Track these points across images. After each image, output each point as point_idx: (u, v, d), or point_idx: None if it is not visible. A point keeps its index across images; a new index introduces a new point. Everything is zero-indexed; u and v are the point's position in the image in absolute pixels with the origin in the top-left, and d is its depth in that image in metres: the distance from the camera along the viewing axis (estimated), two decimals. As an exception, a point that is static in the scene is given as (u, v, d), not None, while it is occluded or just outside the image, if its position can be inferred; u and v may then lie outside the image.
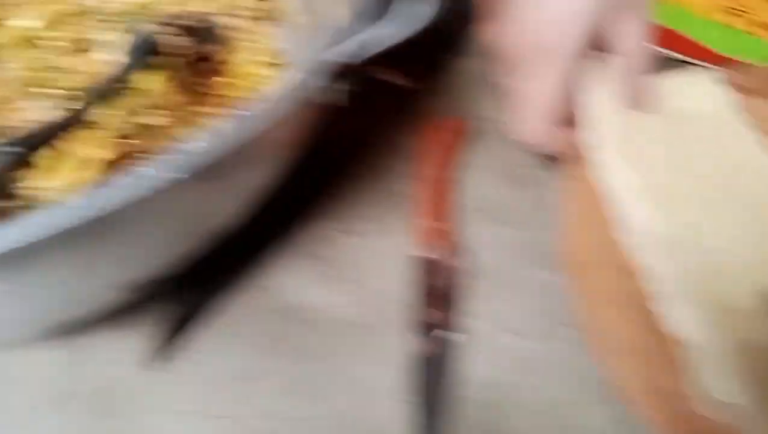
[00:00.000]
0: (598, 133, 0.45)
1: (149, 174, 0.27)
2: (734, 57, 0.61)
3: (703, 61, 0.60)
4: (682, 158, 0.45)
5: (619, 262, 0.42)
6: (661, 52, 0.59)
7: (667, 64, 0.55)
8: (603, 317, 0.40)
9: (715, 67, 0.54)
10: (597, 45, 0.44)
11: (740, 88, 0.52)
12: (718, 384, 0.35)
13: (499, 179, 0.52)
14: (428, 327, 0.42)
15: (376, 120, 0.54)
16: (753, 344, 0.36)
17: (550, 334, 0.43)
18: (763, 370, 0.35)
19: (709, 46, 0.62)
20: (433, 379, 0.40)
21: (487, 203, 0.50)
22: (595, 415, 0.40)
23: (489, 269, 0.46)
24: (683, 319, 0.37)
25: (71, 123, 0.37)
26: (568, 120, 0.46)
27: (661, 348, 0.39)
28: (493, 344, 0.43)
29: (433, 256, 0.46)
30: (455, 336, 0.43)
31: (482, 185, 0.51)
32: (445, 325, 0.43)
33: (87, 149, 0.36)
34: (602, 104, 0.46)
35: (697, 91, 0.50)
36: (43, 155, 0.35)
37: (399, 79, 0.57)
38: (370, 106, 0.53)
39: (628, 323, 0.40)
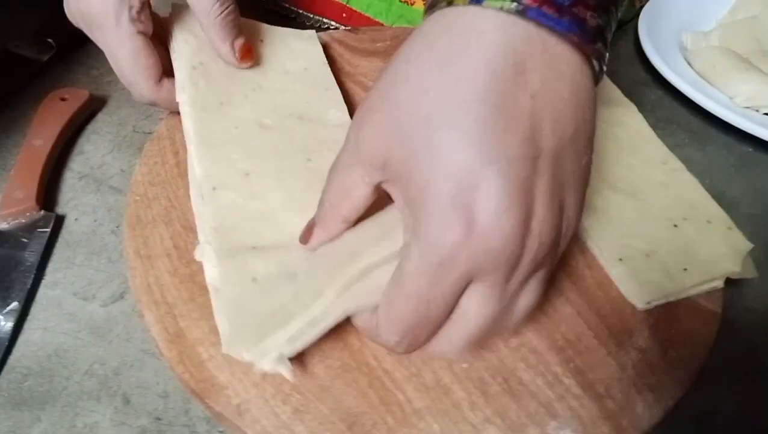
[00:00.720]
0: (180, 84, 0.44)
1: None
2: (376, 19, 0.62)
3: (336, 21, 0.61)
4: (252, 110, 0.45)
5: (180, 217, 0.42)
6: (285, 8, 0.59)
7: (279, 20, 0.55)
8: (152, 273, 0.39)
9: (340, 27, 0.54)
10: None
11: (346, 47, 0.55)
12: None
13: (113, 146, 0.52)
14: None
15: (5, 93, 0.53)
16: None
17: (118, 298, 0.43)
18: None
19: (358, 8, 0.63)
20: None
21: (98, 170, 0.50)
22: (148, 375, 0.40)
23: (80, 235, 0.46)
24: (210, 264, 0.37)
25: None
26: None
27: (190, 297, 0.38)
28: (60, 310, 0.42)
29: (11, 225, 0.44)
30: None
31: (97, 152, 0.49)
32: None
33: None
34: (184, 54, 0.45)
35: (293, 48, 0.51)
36: None
37: (28, 52, 0.54)
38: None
39: (169, 276, 0.39)
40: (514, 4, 0.27)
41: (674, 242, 0.42)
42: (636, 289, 0.40)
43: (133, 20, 0.42)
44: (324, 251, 0.36)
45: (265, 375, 0.35)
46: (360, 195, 0.32)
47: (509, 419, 0.34)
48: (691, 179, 0.47)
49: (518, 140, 0.27)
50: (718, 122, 0.59)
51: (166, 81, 0.44)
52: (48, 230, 0.44)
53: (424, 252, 0.28)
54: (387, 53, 0.52)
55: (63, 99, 0.51)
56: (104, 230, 0.45)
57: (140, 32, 0.42)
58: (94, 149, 0.50)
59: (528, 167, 0.27)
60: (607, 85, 0.54)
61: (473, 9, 0.28)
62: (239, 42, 0.44)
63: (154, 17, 0.44)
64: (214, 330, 0.36)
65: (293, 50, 0.51)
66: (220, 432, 0.37)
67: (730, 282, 0.43)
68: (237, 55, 0.45)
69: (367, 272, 0.34)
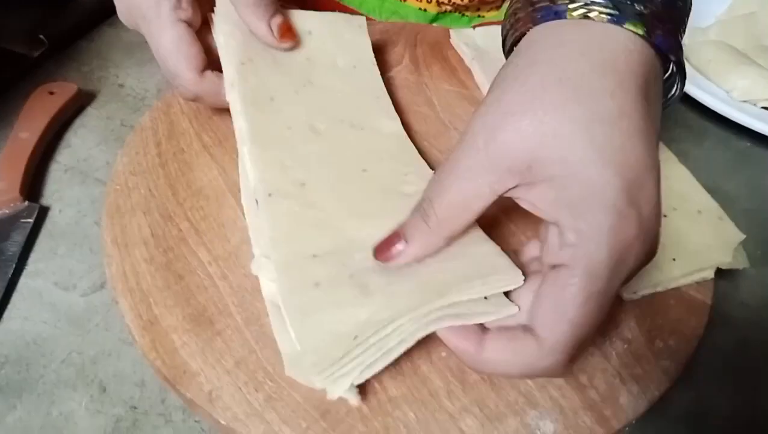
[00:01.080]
0: (229, 81, 0.43)
1: None
2: (369, 16, 0.62)
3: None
4: (304, 110, 0.44)
5: (159, 207, 0.42)
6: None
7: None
8: (128, 261, 0.39)
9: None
10: None
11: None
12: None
13: (101, 140, 0.52)
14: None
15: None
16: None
17: (98, 288, 0.43)
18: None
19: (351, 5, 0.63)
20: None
21: (84, 163, 0.50)
22: (125, 364, 0.39)
23: (63, 226, 0.46)
24: (267, 278, 0.37)
25: None
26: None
27: (165, 284, 0.38)
28: (40, 300, 0.41)
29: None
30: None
31: (84, 146, 0.49)
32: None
33: None
34: (231, 50, 0.44)
35: (343, 40, 0.50)
36: None
37: (19, 47, 0.54)
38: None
39: (145, 264, 0.39)
40: (645, 29, 0.30)
41: (663, 233, 0.41)
42: None
43: (174, 8, 0.41)
44: (403, 270, 0.34)
45: (238, 362, 0.34)
46: (480, 207, 0.31)
47: (487, 408, 0.34)
48: (682, 169, 0.46)
49: (656, 149, 0.29)
50: (715, 117, 0.58)
51: (209, 73, 0.42)
52: (31, 220, 0.44)
53: (601, 248, 0.27)
54: (375, 47, 0.51)
55: (51, 93, 0.51)
56: (87, 221, 0.45)
57: (182, 20, 0.42)
58: (81, 143, 0.50)
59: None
60: None
61: (614, 27, 0.30)
62: (277, 20, 0.43)
63: (201, 10, 0.44)
64: (188, 318, 0.35)
65: (343, 42, 0.49)
66: (195, 421, 0.36)
67: (724, 276, 0.42)
68: (276, 34, 0.43)
69: (452, 307, 0.32)
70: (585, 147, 0.28)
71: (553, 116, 0.28)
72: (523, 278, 0.32)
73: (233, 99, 0.42)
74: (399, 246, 0.33)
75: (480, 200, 0.31)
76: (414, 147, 0.44)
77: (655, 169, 0.28)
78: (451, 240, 0.33)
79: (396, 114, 0.46)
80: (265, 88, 0.43)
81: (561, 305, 0.28)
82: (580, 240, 0.28)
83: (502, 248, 0.35)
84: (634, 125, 0.28)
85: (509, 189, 0.30)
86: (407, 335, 0.31)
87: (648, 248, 0.29)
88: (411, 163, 0.43)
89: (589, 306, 0.28)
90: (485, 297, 0.32)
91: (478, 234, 0.36)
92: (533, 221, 0.36)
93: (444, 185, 0.31)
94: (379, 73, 0.49)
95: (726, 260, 0.40)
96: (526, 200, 0.30)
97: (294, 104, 0.43)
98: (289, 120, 0.42)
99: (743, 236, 0.42)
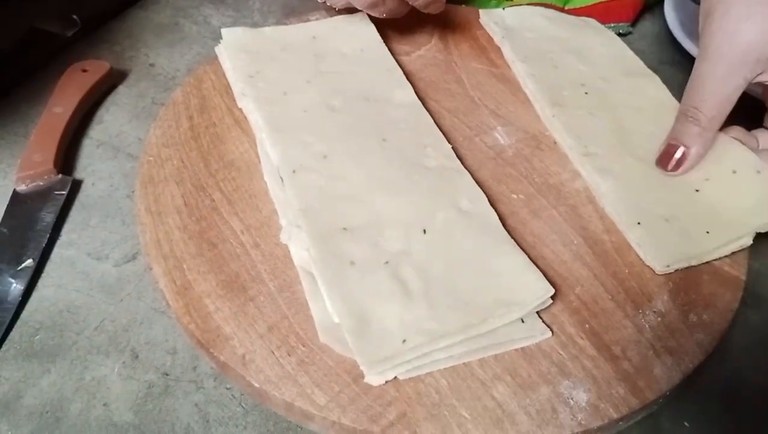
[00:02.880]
0: (239, 91, 0.47)
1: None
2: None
3: None
4: (318, 93, 0.46)
5: (192, 177, 0.43)
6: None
7: None
8: (161, 228, 0.40)
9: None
10: None
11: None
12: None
13: (132, 117, 0.52)
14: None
15: (29, 66, 0.54)
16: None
17: (130, 259, 0.43)
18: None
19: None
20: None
21: (116, 139, 0.50)
22: (158, 332, 0.39)
23: (95, 199, 0.46)
24: (299, 246, 0.38)
25: None
26: None
27: (198, 252, 0.39)
28: (73, 269, 0.42)
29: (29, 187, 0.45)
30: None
31: (116, 122, 0.50)
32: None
33: None
34: (238, 69, 0.47)
35: (346, 31, 0.52)
36: None
37: (54, 27, 0.55)
38: (23, 53, 0.53)
39: (179, 231, 0.39)
40: None
41: (696, 206, 0.41)
42: (654, 252, 0.39)
43: None
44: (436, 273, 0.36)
45: (270, 328, 0.34)
46: (737, 96, 0.41)
47: (519, 377, 0.33)
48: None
49: None
50: (743, 99, 0.57)
51: None
52: (65, 192, 0.44)
53: None
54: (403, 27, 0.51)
55: (84, 70, 0.51)
56: (120, 194, 0.46)
57: None
58: (113, 119, 0.51)
59: None
60: (629, 57, 0.53)
61: None
62: None
63: None
64: (222, 284, 0.36)
65: (346, 33, 0.51)
66: (227, 388, 0.36)
67: (756, 256, 0.41)
68: None
69: (493, 332, 0.35)
70: None
71: None
72: (553, 290, 0.36)
73: (246, 104, 0.44)
74: (679, 153, 0.43)
75: (738, 91, 0.41)
76: (429, 115, 0.45)
77: None
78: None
79: (409, 84, 0.47)
80: (276, 87, 0.44)
81: None
82: None
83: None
84: None
85: (757, 75, 0.41)
86: (456, 356, 0.34)
87: None
88: (428, 133, 0.44)
89: None
90: (522, 320, 0.35)
91: (509, 245, 0.38)
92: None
93: (707, 92, 0.41)
94: (387, 49, 0.50)
95: (764, 222, 0.40)
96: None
97: (307, 92, 0.45)
98: (304, 104, 0.43)
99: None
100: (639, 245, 0.39)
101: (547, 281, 0.35)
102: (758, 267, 0.43)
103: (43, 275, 0.41)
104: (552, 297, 0.36)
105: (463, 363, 0.33)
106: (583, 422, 0.32)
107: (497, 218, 0.38)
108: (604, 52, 0.53)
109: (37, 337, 0.38)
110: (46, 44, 0.54)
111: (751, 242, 0.40)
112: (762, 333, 0.40)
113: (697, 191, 0.42)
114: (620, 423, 0.33)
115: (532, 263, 0.36)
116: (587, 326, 0.35)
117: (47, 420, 0.34)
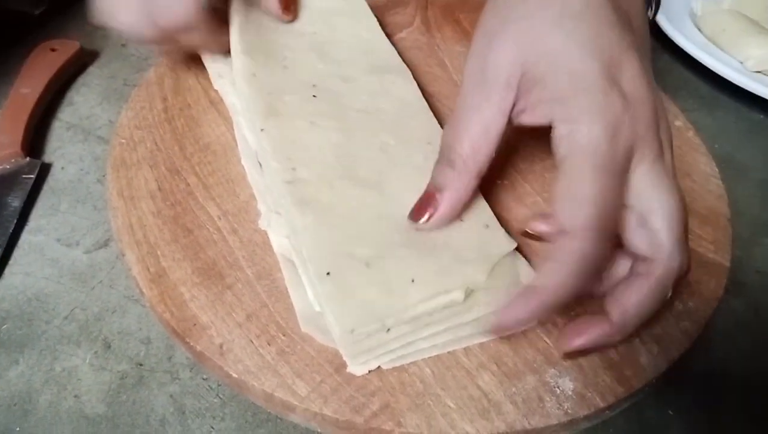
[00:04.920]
0: (215, 70, 0.44)
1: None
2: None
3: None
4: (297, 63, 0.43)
5: (166, 160, 0.41)
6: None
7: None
8: (134, 213, 0.38)
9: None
10: None
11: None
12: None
13: (103, 98, 0.50)
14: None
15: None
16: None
17: (102, 245, 0.41)
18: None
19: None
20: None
21: (87, 121, 0.49)
22: (131, 321, 0.38)
23: (65, 183, 0.44)
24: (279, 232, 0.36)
25: None
26: None
27: (173, 238, 0.37)
28: (42, 256, 0.40)
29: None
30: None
31: (87, 104, 0.47)
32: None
33: None
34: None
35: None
36: None
37: (21, 5, 0.52)
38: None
39: (152, 217, 0.38)
40: None
41: (410, 246, 0.34)
42: (339, 311, 0.31)
43: None
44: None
45: (249, 316, 0.33)
46: (498, 133, 0.33)
47: (505, 365, 0.33)
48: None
49: (631, 34, 0.32)
50: (728, 88, 0.57)
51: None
52: (33, 176, 0.42)
53: (593, 125, 0.29)
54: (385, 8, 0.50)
55: (53, 50, 0.50)
56: (90, 178, 0.44)
57: None
58: (83, 101, 0.49)
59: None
60: (384, 48, 0.48)
61: None
62: None
63: None
64: (198, 271, 0.34)
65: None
66: (203, 379, 0.35)
67: (739, 245, 0.41)
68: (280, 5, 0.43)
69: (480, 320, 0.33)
70: (563, 41, 0.30)
71: (527, 26, 0.31)
72: (515, 243, 0.34)
73: (221, 86, 0.43)
74: (437, 200, 0.33)
75: (495, 125, 0.32)
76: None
77: (631, 49, 0.31)
78: (481, 176, 0.34)
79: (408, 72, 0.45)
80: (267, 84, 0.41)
81: (574, 190, 0.29)
82: (573, 125, 0.30)
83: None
84: (604, 16, 0.31)
85: (513, 105, 0.32)
86: (440, 345, 0.33)
87: (642, 121, 0.30)
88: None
89: (600, 182, 0.29)
90: None
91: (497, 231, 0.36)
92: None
93: (460, 126, 0.33)
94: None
95: (477, 279, 0.34)
96: (528, 112, 0.32)
97: (283, 77, 0.42)
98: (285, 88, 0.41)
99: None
100: (320, 304, 0.33)
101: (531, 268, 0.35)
102: (740, 254, 0.42)
103: (11, 262, 0.39)
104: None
105: (448, 352, 0.32)
106: (569, 411, 0.31)
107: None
108: (354, 44, 0.45)
109: (5, 326, 0.36)
110: (13, 23, 0.52)
111: (462, 299, 0.32)
112: (744, 320, 0.40)
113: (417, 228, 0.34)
114: (606, 411, 0.32)
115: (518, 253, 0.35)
116: (573, 313, 0.35)
117: (15, 412, 0.33)
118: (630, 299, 0.32)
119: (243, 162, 0.40)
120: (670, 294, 0.32)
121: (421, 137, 0.39)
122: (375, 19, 0.47)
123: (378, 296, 0.31)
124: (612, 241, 0.31)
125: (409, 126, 0.40)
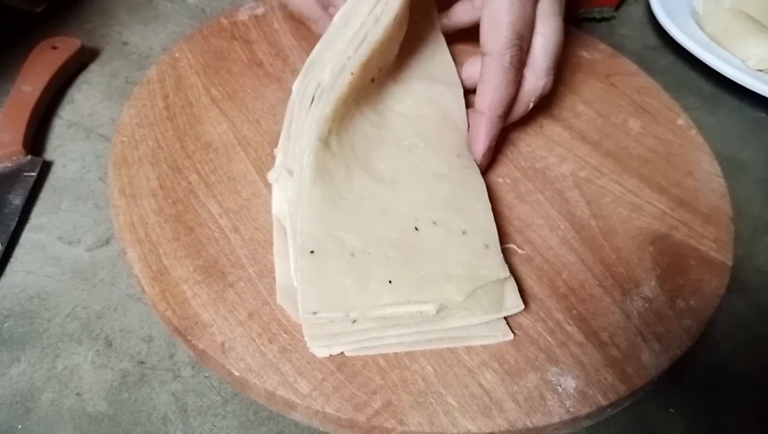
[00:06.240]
0: None
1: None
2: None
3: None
4: None
5: (167, 158, 0.41)
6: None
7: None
8: (136, 211, 0.38)
9: None
10: None
11: None
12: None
13: (104, 96, 0.50)
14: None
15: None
16: None
17: (103, 243, 0.41)
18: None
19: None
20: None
21: (88, 119, 0.48)
22: (132, 319, 0.38)
23: (67, 181, 0.44)
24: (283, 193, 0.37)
25: None
26: None
27: (174, 236, 0.37)
28: (44, 254, 0.40)
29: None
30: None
31: (88, 102, 0.47)
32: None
33: None
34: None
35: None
36: None
37: (21, 3, 0.52)
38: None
39: (154, 215, 0.38)
40: None
41: (401, 247, 0.35)
42: (309, 290, 0.32)
43: None
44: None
45: (251, 314, 0.33)
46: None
47: (507, 363, 0.33)
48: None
49: None
50: (729, 86, 0.57)
51: None
52: (34, 174, 0.42)
53: None
54: None
55: (54, 47, 0.49)
56: (92, 176, 0.44)
57: None
58: (84, 99, 0.49)
59: None
60: None
61: None
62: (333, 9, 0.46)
63: None
64: (200, 269, 0.34)
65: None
66: (205, 376, 0.35)
67: (740, 244, 0.41)
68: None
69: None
70: None
71: None
72: (523, 306, 0.34)
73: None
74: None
75: None
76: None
77: None
78: None
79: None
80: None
81: (496, 18, 0.39)
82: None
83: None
84: None
85: None
86: (407, 343, 0.32)
87: None
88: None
89: (514, 11, 0.38)
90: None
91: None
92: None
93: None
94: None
95: (457, 296, 0.34)
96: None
97: None
98: None
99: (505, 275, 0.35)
100: (295, 280, 0.33)
101: (519, 298, 0.34)
102: (742, 253, 0.42)
103: (12, 260, 0.39)
104: (539, 283, 0.36)
105: (450, 350, 0.32)
106: (571, 409, 0.31)
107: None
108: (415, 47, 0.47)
109: (6, 325, 0.36)
110: (14, 20, 0.52)
111: (434, 313, 0.32)
112: (746, 318, 0.40)
113: (416, 229, 0.35)
114: (608, 409, 0.32)
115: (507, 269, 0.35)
116: (575, 312, 0.35)
117: (17, 410, 0.33)
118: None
119: (294, 87, 0.39)
120: (531, 106, 0.42)
121: (452, 149, 0.40)
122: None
123: (351, 287, 0.31)
124: (525, 58, 0.40)
125: (444, 137, 0.40)
